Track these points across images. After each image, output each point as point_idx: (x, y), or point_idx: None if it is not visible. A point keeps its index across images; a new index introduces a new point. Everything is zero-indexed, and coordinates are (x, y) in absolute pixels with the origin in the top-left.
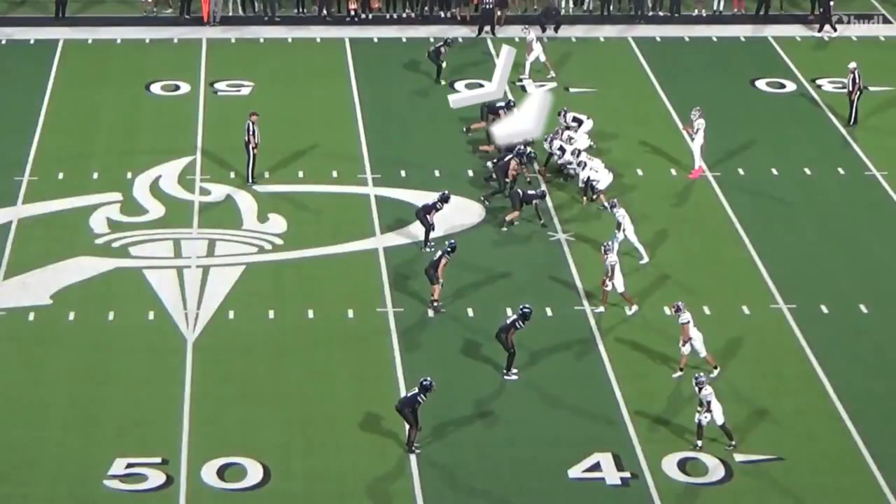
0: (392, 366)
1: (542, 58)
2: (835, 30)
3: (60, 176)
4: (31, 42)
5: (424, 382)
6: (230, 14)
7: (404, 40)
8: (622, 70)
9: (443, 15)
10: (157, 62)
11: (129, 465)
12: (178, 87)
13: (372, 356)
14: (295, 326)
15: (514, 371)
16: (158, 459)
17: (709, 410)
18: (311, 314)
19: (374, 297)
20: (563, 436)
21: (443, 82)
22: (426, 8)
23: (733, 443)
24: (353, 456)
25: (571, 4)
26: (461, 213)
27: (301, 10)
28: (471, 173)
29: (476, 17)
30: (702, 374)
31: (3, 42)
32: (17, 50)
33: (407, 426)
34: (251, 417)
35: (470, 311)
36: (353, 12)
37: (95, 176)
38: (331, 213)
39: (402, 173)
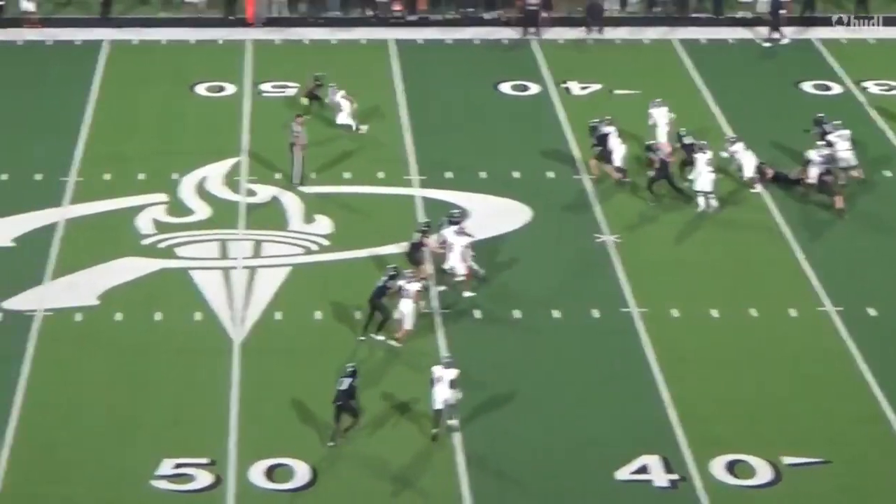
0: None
1: None
2: (782, 37)
3: (107, 177)
4: (77, 43)
5: (350, 368)
6: (275, 15)
7: (449, 42)
8: (666, 72)
9: (487, 16)
10: (202, 63)
11: (178, 466)
12: (222, 89)
13: (418, 356)
14: (341, 327)
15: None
16: (206, 460)
17: None
18: (357, 315)
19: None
20: (610, 438)
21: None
22: (471, 9)
23: None
24: (400, 455)
25: (616, 6)
26: (507, 215)
27: (346, 11)
28: (516, 175)
29: (521, 19)
30: None
31: (49, 43)
32: (63, 51)
33: (341, 420)
34: (298, 418)
35: (517, 313)
36: (398, 14)
37: (142, 177)
38: (377, 214)
39: (448, 174)
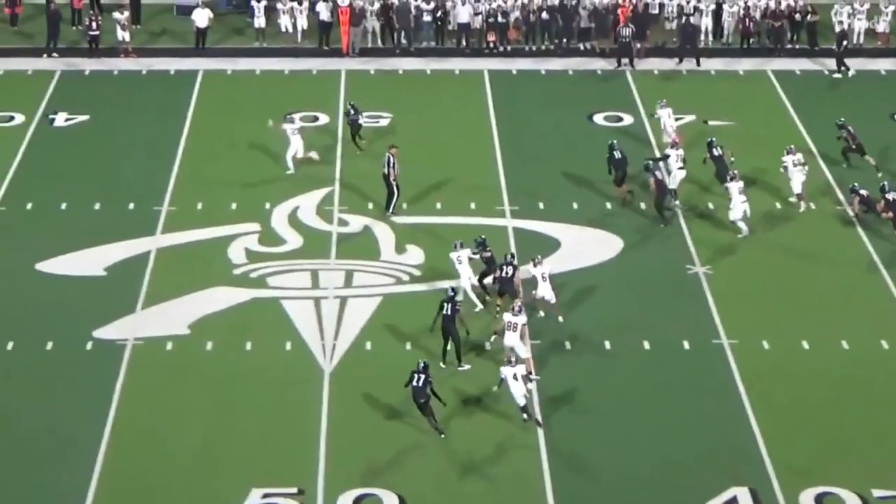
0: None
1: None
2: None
3: (199, 206)
4: (172, 73)
5: (422, 364)
6: (369, 45)
7: (543, 73)
8: (761, 103)
9: (582, 47)
10: (296, 93)
11: (266, 496)
12: (316, 118)
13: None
14: (431, 358)
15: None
16: (295, 489)
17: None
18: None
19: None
20: (700, 469)
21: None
22: (565, 40)
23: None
24: (490, 486)
25: (711, 38)
26: (599, 246)
27: (440, 42)
28: (608, 206)
29: (614, 50)
30: None
31: (144, 73)
32: (158, 80)
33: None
34: (387, 448)
35: (607, 344)
36: (491, 44)
37: (234, 206)
38: (468, 244)
39: (540, 205)
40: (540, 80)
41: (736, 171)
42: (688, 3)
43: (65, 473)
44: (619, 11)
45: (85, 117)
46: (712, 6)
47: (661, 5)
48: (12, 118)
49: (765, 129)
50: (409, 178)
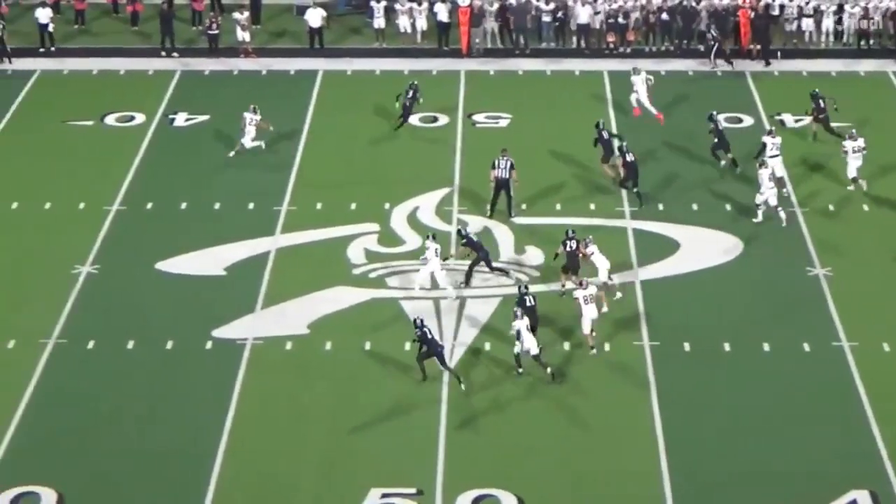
0: (648, 398)
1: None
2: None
3: (318, 206)
4: (292, 73)
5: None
6: (489, 46)
7: (663, 73)
8: (882, 104)
9: (702, 48)
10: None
11: (385, 496)
12: (436, 119)
13: (628, 389)
14: (552, 358)
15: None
16: (414, 490)
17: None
18: (567, 346)
19: (631, 329)
20: (820, 471)
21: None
22: (685, 41)
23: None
24: (610, 487)
25: (832, 39)
26: (719, 247)
27: (561, 43)
28: (728, 207)
29: (734, 52)
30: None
31: (264, 73)
32: (278, 80)
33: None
34: (507, 448)
35: (727, 346)
36: (611, 45)
37: (353, 206)
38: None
39: (660, 206)
40: (660, 81)
41: (765, 158)
42: (807, 3)
43: (184, 473)
44: (739, 13)
45: (205, 117)
46: (833, 7)
47: (782, 7)
48: (133, 118)
49: (886, 130)
50: (529, 178)
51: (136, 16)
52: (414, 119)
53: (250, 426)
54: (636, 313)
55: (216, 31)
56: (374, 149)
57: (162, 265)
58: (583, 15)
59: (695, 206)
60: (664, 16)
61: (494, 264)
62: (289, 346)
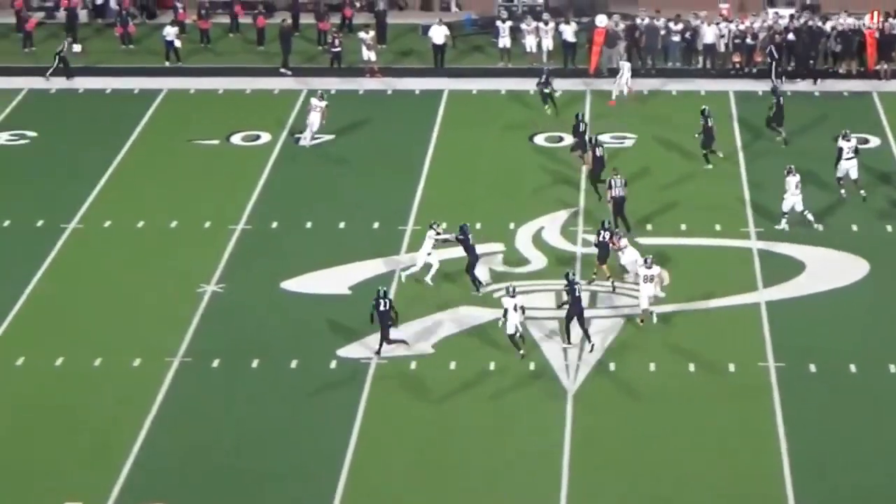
0: (773, 422)
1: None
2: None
3: (444, 226)
4: (417, 92)
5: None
6: (615, 66)
7: (789, 94)
8: None
9: (828, 69)
10: (540, 113)
11: None
12: (561, 139)
13: (753, 411)
14: (676, 379)
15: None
16: None
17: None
18: (692, 367)
19: (756, 351)
20: None
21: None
22: (811, 62)
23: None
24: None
25: None
26: (845, 268)
27: (689, 62)
28: (854, 228)
29: (861, 72)
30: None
31: (389, 92)
32: (403, 99)
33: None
34: (630, 468)
35: (853, 367)
36: (737, 65)
37: (479, 226)
38: (713, 265)
39: (786, 227)
40: (786, 102)
41: (793, 166)
42: None
43: (307, 493)
44: (865, 33)
45: (330, 136)
46: None
47: None
48: (258, 137)
49: None
50: (654, 198)
51: (261, 34)
52: (539, 139)
53: (374, 446)
54: (761, 335)
55: (339, 49)
56: (500, 168)
57: (287, 284)
58: (709, 35)
59: (820, 227)
60: (790, 36)
61: (476, 273)
62: (413, 365)
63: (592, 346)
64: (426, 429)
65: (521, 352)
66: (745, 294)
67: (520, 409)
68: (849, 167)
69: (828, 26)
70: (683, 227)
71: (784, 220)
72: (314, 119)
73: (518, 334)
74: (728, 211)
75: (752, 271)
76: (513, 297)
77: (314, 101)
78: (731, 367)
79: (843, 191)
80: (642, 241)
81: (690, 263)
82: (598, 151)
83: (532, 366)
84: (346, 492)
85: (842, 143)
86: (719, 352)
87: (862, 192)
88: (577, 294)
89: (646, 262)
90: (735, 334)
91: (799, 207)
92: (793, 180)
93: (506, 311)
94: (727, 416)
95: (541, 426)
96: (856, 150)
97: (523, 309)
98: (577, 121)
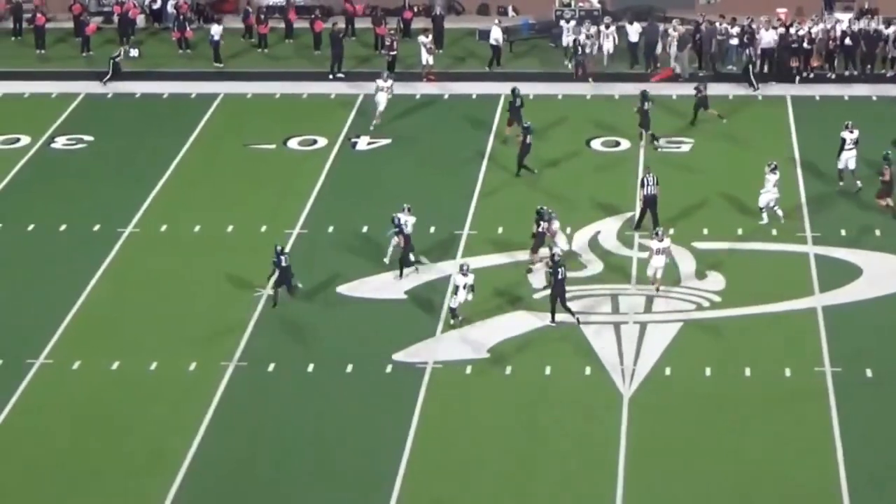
0: (829, 427)
1: None
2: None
3: (500, 230)
4: (473, 97)
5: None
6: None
7: (846, 98)
8: None
9: (887, 73)
10: (598, 117)
11: None
12: (618, 143)
13: (809, 416)
14: (732, 384)
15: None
16: None
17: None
18: (748, 372)
19: (812, 356)
20: None
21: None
22: (868, 67)
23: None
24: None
25: None
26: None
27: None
28: None
29: None
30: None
31: (446, 97)
32: (459, 104)
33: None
34: (685, 474)
35: None
36: (794, 70)
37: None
38: (769, 270)
39: (843, 232)
40: (843, 106)
41: (776, 162)
42: None
43: (363, 496)
44: None
45: (387, 141)
46: None
47: None
48: (315, 142)
49: None
50: (711, 202)
51: (318, 39)
52: (596, 143)
53: (430, 450)
54: (818, 339)
55: (395, 52)
56: (557, 172)
57: (343, 288)
58: (766, 39)
59: (878, 232)
60: (848, 40)
61: (411, 258)
62: (469, 370)
63: (578, 319)
64: (482, 433)
65: (452, 322)
66: (801, 299)
67: (575, 415)
68: (848, 157)
69: (890, 30)
70: (740, 231)
71: (765, 215)
72: (381, 99)
73: (457, 312)
74: (784, 216)
75: (808, 276)
76: (465, 275)
77: (380, 81)
78: (787, 372)
79: (841, 182)
80: (699, 245)
81: (747, 268)
82: (528, 139)
83: (588, 371)
84: (402, 497)
85: (845, 133)
86: (775, 357)
87: (858, 182)
88: (559, 277)
89: (657, 234)
90: (791, 339)
91: (773, 204)
92: (773, 177)
93: (456, 287)
94: (783, 421)
95: (597, 431)
96: (856, 142)
97: (472, 288)
98: (513, 96)
